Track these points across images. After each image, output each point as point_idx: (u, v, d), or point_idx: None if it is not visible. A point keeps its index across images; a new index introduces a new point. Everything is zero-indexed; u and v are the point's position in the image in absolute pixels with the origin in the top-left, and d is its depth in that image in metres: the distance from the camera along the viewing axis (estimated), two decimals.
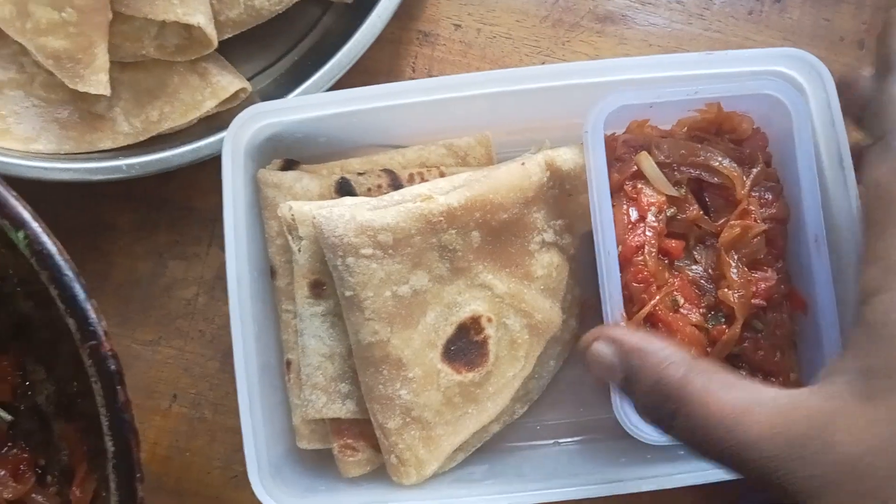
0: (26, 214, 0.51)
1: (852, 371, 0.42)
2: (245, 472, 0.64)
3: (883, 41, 0.53)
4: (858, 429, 0.40)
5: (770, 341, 0.58)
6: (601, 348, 0.50)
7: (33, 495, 0.61)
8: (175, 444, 0.67)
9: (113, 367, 0.50)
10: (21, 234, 0.50)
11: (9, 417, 0.63)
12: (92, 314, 0.50)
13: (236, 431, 0.66)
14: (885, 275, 0.44)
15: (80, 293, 0.50)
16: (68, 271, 0.50)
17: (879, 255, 0.45)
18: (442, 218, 0.58)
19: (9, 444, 0.63)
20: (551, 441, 0.65)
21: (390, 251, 0.58)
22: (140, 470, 0.50)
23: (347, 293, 0.58)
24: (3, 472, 0.61)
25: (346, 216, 0.58)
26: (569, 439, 0.65)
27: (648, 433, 0.55)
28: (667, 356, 0.46)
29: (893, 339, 0.41)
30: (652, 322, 0.57)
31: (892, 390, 0.40)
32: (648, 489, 0.56)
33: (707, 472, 0.56)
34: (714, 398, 0.43)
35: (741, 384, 0.45)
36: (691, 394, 0.44)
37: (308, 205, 0.61)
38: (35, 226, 0.51)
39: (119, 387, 0.50)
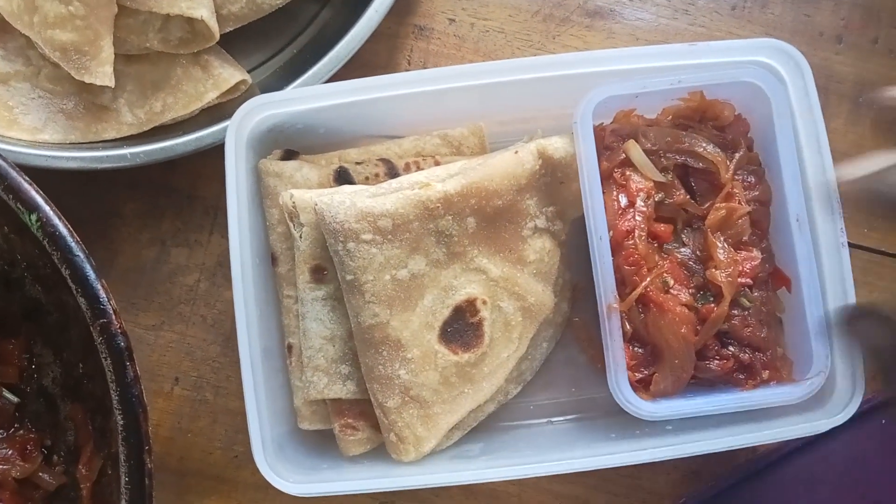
0: (39, 199, 0.53)
1: None
2: (245, 452, 0.66)
3: None
4: None
5: (757, 318, 0.60)
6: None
7: (40, 474, 0.63)
8: (177, 425, 0.69)
9: (122, 343, 0.52)
10: (34, 217, 0.52)
11: (16, 399, 0.65)
12: (102, 293, 0.52)
13: (237, 413, 0.69)
14: None
15: (91, 273, 0.52)
16: (79, 252, 0.52)
17: None
18: (439, 204, 0.60)
19: (16, 425, 0.64)
20: (544, 420, 0.67)
21: (389, 236, 0.60)
22: (149, 442, 0.51)
23: (348, 277, 0.60)
24: (10, 452, 0.62)
25: (347, 203, 0.60)
26: (561, 418, 0.67)
27: (641, 407, 0.58)
28: None
29: None
30: (644, 303, 0.60)
31: None
32: (639, 461, 0.58)
33: (693, 445, 0.59)
34: None
35: None
36: None
37: (309, 192, 0.63)
38: (47, 209, 0.53)
39: (128, 363, 0.51)
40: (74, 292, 0.52)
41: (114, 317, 0.52)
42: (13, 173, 0.53)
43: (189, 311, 0.70)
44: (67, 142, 0.68)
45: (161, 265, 0.71)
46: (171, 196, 0.71)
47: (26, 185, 0.53)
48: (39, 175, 0.57)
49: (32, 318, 0.63)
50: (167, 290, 0.71)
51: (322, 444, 0.65)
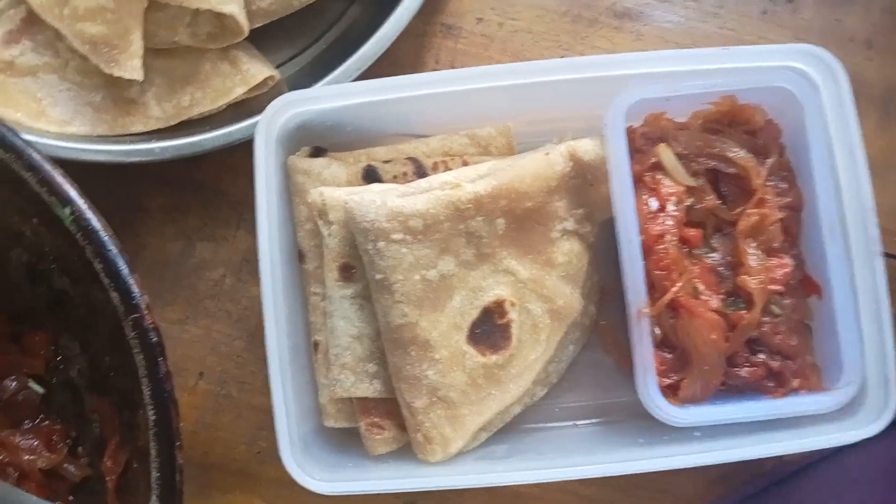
0: (73, 192, 0.53)
1: None
2: (269, 448, 0.66)
3: None
4: None
5: (787, 325, 0.60)
6: None
7: (65, 465, 0.63)
8: (202, 419, 0.69)
9: (155, 339, 0.51)
10: (67, 211, 0.52)
11: (41, 390, 0.65)
12: (135, 288, 0.52)
13: (261, 409, 0.69)
14: None
15: (124, 268, 0.52)
16: (112, 247, 0.52)
17: None
18: (470, 205, 0.60)
19: (41, 415, 0.65)
20: (570, 423, 0.67)
21: (420, 236, 0.60)
22: (179, 438, 0.51)
23: (378, 276, 0.60)
24: (36, 443, 0.62)
25: (378, 202, 0.60)
26: (587, 421, 0.67)
27: (670, 413, 0.57)
28: None
29: None
30: (674, 308, 0.59)
31: None
32: (666, 468, 0.58)
33: (722, 453, 0.58)
34: None
35: None
36: None
37: (339, 190, 0.62)
38: (81, 203, 0.52)
39: (160, 358, 0.51)
40: (107, 287, 0.52)
41: (146, 312, 0.51)
42: (47, 166, 0.53)
43: (214, 306, 0.70)
44: (95, 134, 0.68)
45: (186, 260, 0.71)
46: (198, 191, 0.71)
47: (60, 178, 0.52)
48: (66, 167, 0.57)
49: (59, 310, 0.63)
50: (192, 284, 0.71)
51: (347, 443, 0.64)
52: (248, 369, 0.70)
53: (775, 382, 0.60)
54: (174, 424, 0.51)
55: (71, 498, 0.64)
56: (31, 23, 0.68)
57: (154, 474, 0.51)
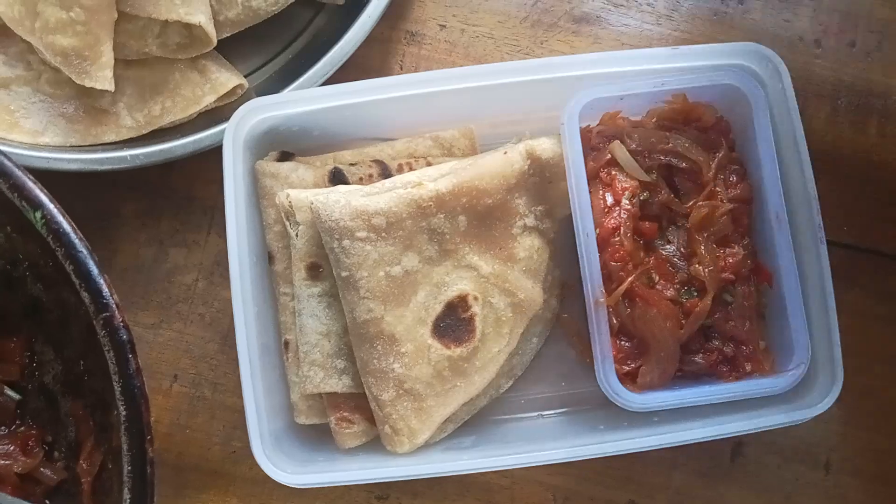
0: (43, 197, 0.54)
1: None
2: (243, 448, 0.68)
3: None
4: None
5: (739, 312, 0.62)
6: None
7: (42, 469, 0.64)
8: (176, 421, 0.70)
9: (125, 336, 0.53)
10: (38, 214, 0.54)
11: (17, 396, 0.66)
12: (105, 288, 0.53)
13: (234, 409, 0.70)
14: None
15: (94, 268, 0.53)
16: (83, 248, 0.54)
17: None
18: (431, 203, 0.62)
19: (17, 421, 0.66)
20: (535, 413, 0.69)
21: (383, 234, 0.62)
22: (150, 432, 0.53)
23: (343, 273, 0.62)
24: (12, 448, 0.63)
25: (342, 202, 0.62)
26: (551, 411, 0.69)
27: (628, 399, 0.59)
28: None
29: None
30: (630, 297, 0.62)
31: None
32: (626, 451, 0.60)
33: (678, 434, 0.61)
34: None
35: None
36: None
37: (305, 192, 0.64)
38: (51, 207, 0.54)
39: (130, 355, 0.53)
40: (78, 287, 0.53)
41: (116, 311, 0.53)
42: (17, 172, 0.54)
43: (187, 309, 0.72)
44: (67, 144, 0.70)
45: (159, 265, 0.72)
46: (170, 197, 0.73)
47: (31, 184, 0.54)
48: (40, 177, 0.59)
49: (33, 316, 0.65)
50: (165, 289, 0.72)
51: (318, 438, 0.66)
52: (221, 370, 0.71)
53: (729, 367, 0.62)
54: (144, 419, 0.53)
55: (47, 502, 0.65)
56: (3, 35, 0.70)
57: (126, 468, 0.52)
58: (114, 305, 0.53)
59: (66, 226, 0.54)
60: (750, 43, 0.65)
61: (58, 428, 0.65)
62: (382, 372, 0.62)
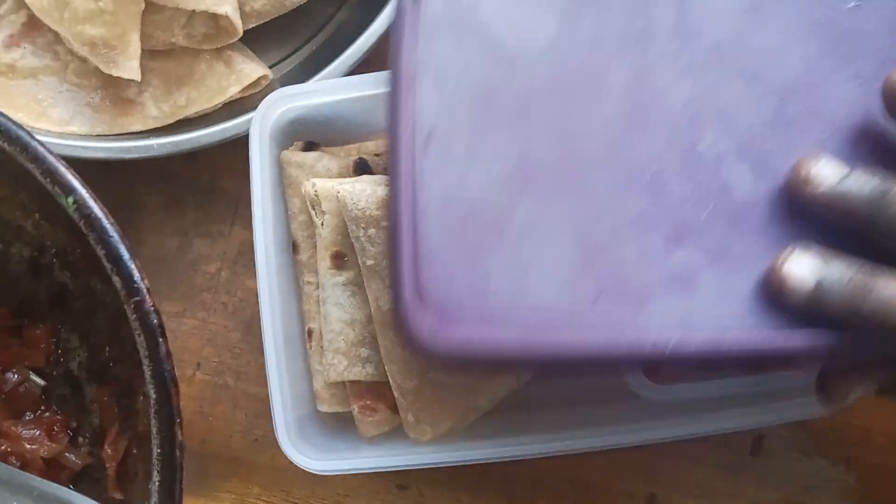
0: (76, 182, 0.55)
1: None
2: (265, 436, 0.68)
3: None
4: None
5: None
6: None
7: (66, 454, 0.64)
8: (199, 409, 0.71)
9: (155, 320, 0.53)
10: (71, 199, 0.54)
11: (42, 383, 0.66)
12: (136, 272, 0.54)
13: (257, 398, 0.71)
14: None
15: (126, 253, 0.54)
16: (114, 233, 0.54)
17: None
18: None
19: (42, 407, 0.66)
20: (559, 404, 0.69)
21: None
22: (180, 416, 0.53)
23: (369, 262, 0.62)
24: (38, 432, 0.64)
25: (368, 191, 0.62)
26: (573, 402, 0.68)
27: (651, 391, 0.60)
28: None
29: None
30: None
31: None
32: (647, 441, 0.61)
33: (700, 425, 0.61)
34: None
35: None
36: None
37: (331, 182, 0.65)
38: (84, 192, 0.55)
39: (161, 339, 0.53)
40: (109, 272, 0.54)
41: (147, 295, 0.53)
42: (50, 157, 0.55)
43: (211, 299, 0.73)
44: (94, 134, 0.70)
45: (183, 255, 0.73)
46: (194, 188, 0.74)
47: (63, 169, 0.55)
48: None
49: (60, 303, 0.65)
50: (189, 278, 0.73)
51: (340, 427, 0.66)
52: (243, 359, 0.72)
53: None
54: (174, 402, 0.53)
55: (71, 487, 0.66)
56: (32, 27, 0.71)
57: (155, 451, 0.53)
58: (145, 290, 0.54)
59: (97, 211, 0.54)
60: None
61: (82, 415, 0.66)
62: (406, 360, 0.62)
